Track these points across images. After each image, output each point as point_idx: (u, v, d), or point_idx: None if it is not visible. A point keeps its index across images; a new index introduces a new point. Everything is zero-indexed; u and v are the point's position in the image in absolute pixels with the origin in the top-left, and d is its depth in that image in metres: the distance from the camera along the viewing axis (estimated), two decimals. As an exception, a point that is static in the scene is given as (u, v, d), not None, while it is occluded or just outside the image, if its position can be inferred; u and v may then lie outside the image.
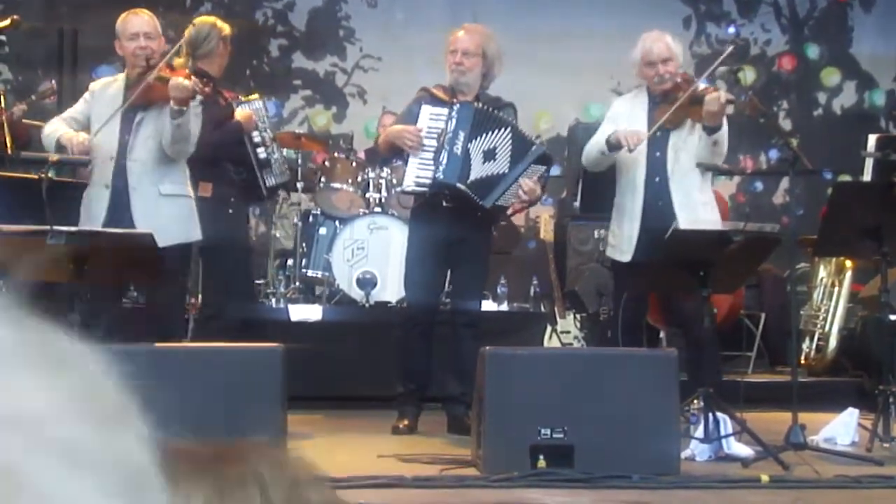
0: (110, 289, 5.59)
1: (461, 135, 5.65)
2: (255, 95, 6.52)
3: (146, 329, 5.36)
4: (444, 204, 5.71)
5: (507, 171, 5.69)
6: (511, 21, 10.52)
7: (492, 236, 6.13)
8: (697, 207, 5.67)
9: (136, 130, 5.44)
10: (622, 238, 5.83)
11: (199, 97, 5.40)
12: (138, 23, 5.54)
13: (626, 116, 5.85)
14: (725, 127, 5.59)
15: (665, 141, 5.72)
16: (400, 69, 9.54)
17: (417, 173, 5.71)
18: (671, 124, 5.64)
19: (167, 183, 5.47)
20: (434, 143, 5.68)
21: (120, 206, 5.40)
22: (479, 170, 5.67)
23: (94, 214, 5.43)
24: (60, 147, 5.39)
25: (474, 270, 5.91)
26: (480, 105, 5.74)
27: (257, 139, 6.00)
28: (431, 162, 5.67)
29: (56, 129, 5.48)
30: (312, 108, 10.34)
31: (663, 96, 5.72)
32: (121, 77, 5.68)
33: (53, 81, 8.54)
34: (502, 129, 5.72)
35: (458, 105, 5.69)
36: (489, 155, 5.68)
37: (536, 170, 5.77)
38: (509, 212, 6.04)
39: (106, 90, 5.61)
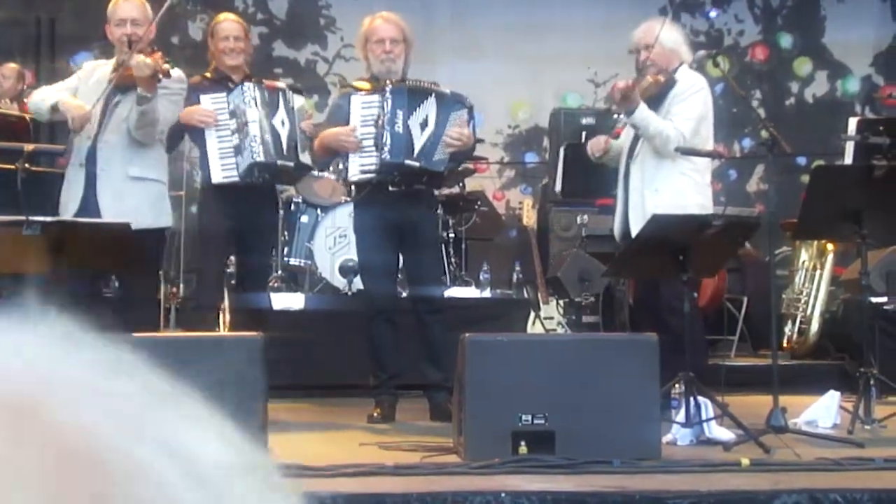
0: (89, 278, 5.56)
1: (399, 114, 5.67)
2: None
3: (121, 318, 5.32)
4: (391, 188, 5.71)
5: (434, 129, 5.72)
6: (489, 12, 10.53)
7: (438, 220, 6.14)
8: (645, 193, 5.65)
9: (111, 112, 5.44)
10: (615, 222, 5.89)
11: (180, 84, 5.39)
12: (127, 9, 5.54)
13: None
14: (644, 115, 5.54)
15: None
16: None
17: (361, 162, 5.72)
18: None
19: (136, 166, 5.45)
20: (371, 130, 5.69)
21: (90, 188, 5.40)
22: (419, 141, 5.69)
23: (72, 195, 5.43)
24: (56, 111, 5.37)
25: (429, 256, 5.95)
26: (410, 82, 5.79)
27: (224, 131, 5.87)
28: (373, 147, 5.68)
29: (50, 94, 5.49)
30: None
31: None
32: (112, 61, 5.68)
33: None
34: (429, 97, 5.75)
35: (390, 87, 5.71)
36: (424, 124, 5.71)
37: (457, 115, 5.77)
38: (447, 164, 5.91)
39: (95, 72, 5.62)
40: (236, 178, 5.82)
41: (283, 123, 5.96)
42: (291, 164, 6.02)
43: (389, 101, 5.68)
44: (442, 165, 5.78)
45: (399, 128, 5.66)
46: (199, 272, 6.19)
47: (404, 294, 6.25)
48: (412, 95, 5.73)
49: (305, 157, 6.16)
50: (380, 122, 5.67)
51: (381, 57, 5.76)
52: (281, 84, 6.23)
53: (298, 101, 6.15)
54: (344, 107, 5.79)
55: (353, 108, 5.73)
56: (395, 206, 5.71)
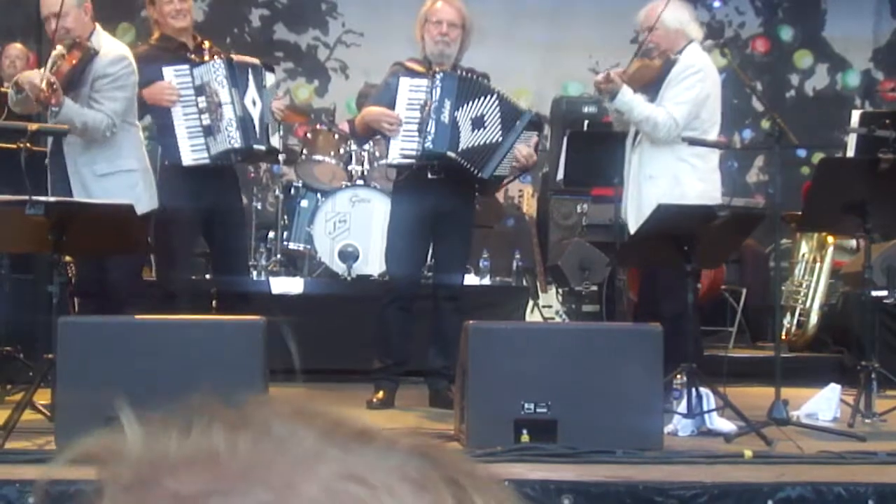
0: (98, 262, 5.47)
1: (447, 103, 5.58)
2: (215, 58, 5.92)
3: (106, 303, 5.25)
4: (430, 176, 5.65)
5: (500, 139, 5.64)
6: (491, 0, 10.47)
7: (474, 209, 6.08)
8: (641, 181, 5.57)
9: None
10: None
11: (119, 66, 5.22)
12: (47, 3, 5.23)
13: None
14: (626, 99, 5.43)
15: None
16: (382, 45, 9.45)
17: (402, 146, 5.64)
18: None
19: (101, 162, 5.27)
20: (416, 114, 5.61)
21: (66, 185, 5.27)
22: (469, 138, 5.60)
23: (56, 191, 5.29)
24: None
25: (458, 244, 5.86)
26: (463, 73, 5.70)
27: (191, 107, 5.72)
28: (416, 133, 5.60)
29: None
30: (294, 80, 10.28)
31: None
32: None
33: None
34: (488, 97, 5.66)
35: (441, 74, 5.62)
36: (478, 123, 5.62)
37: (529, 136, 5.73)
38: (506, 181, 5.97)
39: None
40: (206, 160, 5.69)
41: (254, 103, 5.80)
42: (264, 147, 5.89)
43: (439, 89, 5.57)
44: (499, 176, 5.73)
45: (445, 118, 5.55)
46: (166, 255, 5.83)
47: (427, 276, 6.19)
48: (464, 86, 5.62)
49: (275, 141, 6.06)
50: (426, 108, 5.57)
51: (435, 38, 5.65)
52: (253, 60, 6.02)
53: (270, 78, 6.00)
54: (393, 85, 5.69)
55: (401, 89, 5.63)
56: (433, 194, 5.63)
